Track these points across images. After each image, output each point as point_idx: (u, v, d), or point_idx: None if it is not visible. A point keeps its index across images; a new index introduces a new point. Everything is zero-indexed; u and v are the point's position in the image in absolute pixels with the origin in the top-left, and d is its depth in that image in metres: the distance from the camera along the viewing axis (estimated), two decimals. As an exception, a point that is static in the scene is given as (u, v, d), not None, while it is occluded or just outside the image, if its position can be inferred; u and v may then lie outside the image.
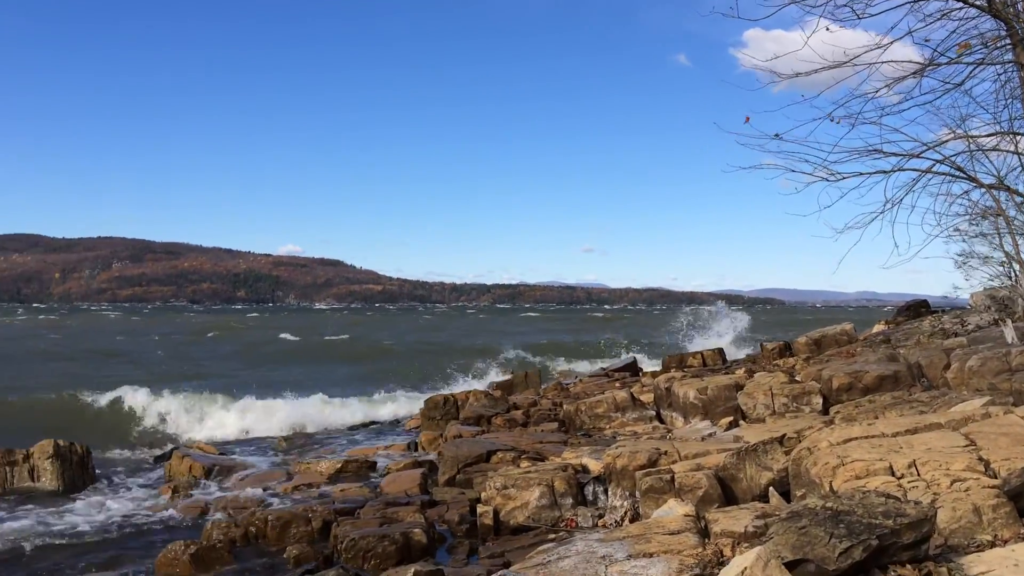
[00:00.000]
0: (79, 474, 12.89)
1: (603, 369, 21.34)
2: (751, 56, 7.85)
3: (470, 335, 56.78)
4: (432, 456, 13.78)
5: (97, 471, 13.40)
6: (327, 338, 40.33)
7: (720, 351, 18.49)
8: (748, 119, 7.80)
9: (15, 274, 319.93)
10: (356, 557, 7.90)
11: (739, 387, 11.87)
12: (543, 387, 19.27)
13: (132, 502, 11.50)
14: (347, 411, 20.22)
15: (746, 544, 5.86)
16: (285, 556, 8.39)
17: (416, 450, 14.34)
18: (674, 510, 6.78)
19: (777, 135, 8.09)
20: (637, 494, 7.86)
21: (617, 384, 16.97)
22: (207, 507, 10.92)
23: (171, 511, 10.89)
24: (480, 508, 8.83)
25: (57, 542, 9.52)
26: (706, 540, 6.02)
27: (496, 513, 8.66)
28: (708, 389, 11.96)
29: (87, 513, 10.86)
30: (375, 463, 13.09)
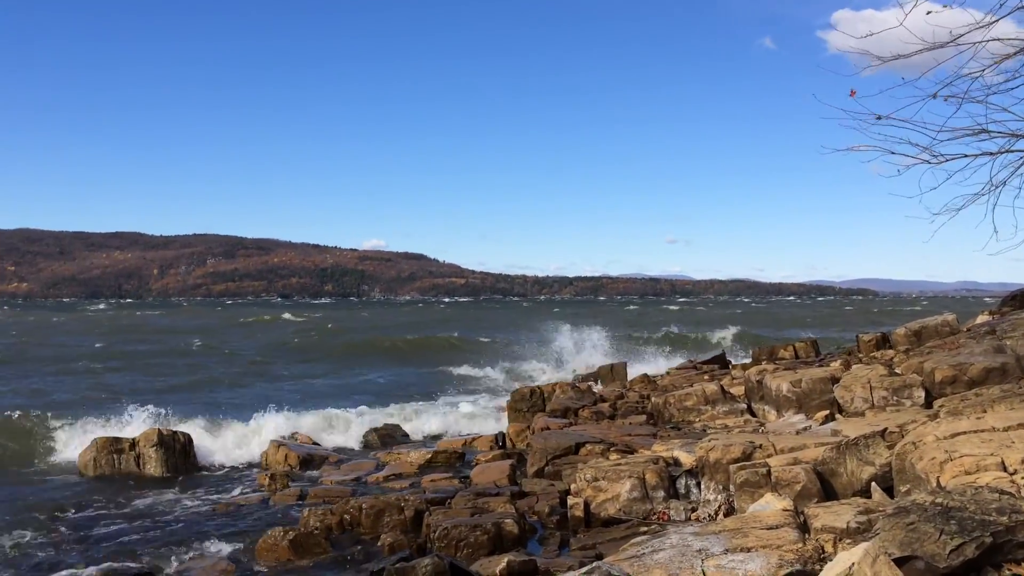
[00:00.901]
0: (182, 462, 13.42)
1: (691, 361, 21.05)
2: (846, 35, 7.55)
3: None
4: (517, 446, 13.85)
5: (199, 459, 13.90)
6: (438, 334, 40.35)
7: (813, 342, 17.99)
8: (854, 93, 7.48)
9: (117, 270, 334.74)
10: (449, 546, 7.98)
11: (835, 380, 11.51)
12: (629, 379, 19.11)
13: (231, 489, 11.91)
14: (435, 403, 20.50)
15: (848, 540, 5.70)
16: (379, 544, 8.55)
17: (503, 442, 14.41)
18: (771, 504, 6.63)
19: (879, 116, 7.77)
20: (731, 488, 7.71)
21: (706, 377, 16.69)
22: (302, 494, 11.23)
23: (268, 498, 11.23)
24: (571, 500, 8.82)
25: (160, 526, 9.93)
26: (806, 535, 5.87)
27: (587, 505, 8.63)
28: (802, 382, 11.65)
29: (189, 498, 11.30)
30: (463, 454, 13.23)
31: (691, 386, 14.33)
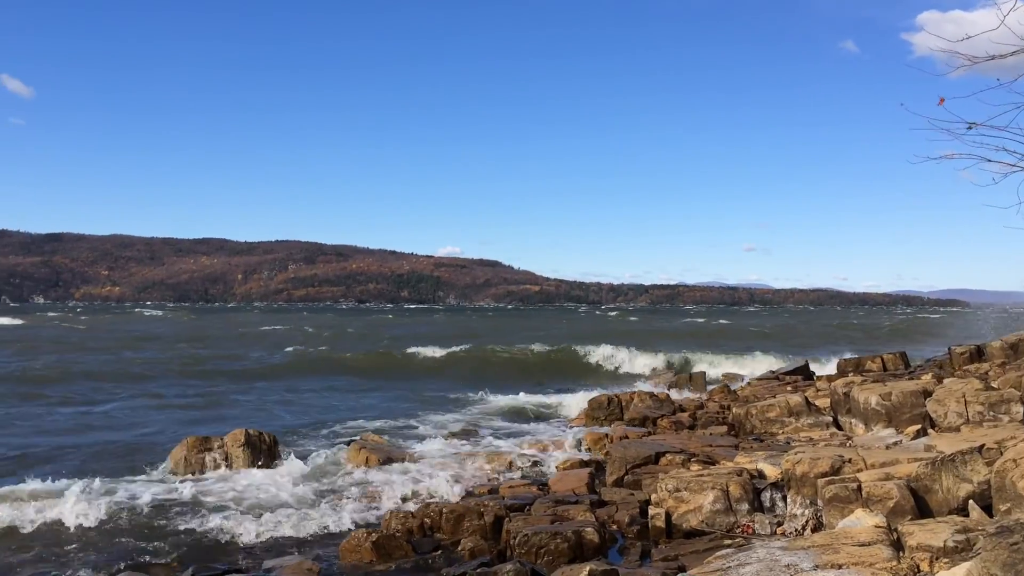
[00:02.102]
0: (268, 461, 13.75)
1: (772, 372, 20.62)
2: (939, 37, 7.30)
3: (625, 336, 56.25)
4: (595, 454, 13.78)
5: (283, 459, 14.21)
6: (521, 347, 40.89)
7: (902, 355, 17.42)
8: (943, 101, 7.24)
9: (203, 275, 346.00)
10: (529, 553, 7.99)
11: (927, 393, 11.13)
12: (708, 389, 18.83)
13: (314, 489, 12.13)
14: (512, 406, 20.59)
15: (946, 560, 5.50)
16: (460, 548, 8.62)
17: (581, 449, 14.36)
18: (863, 520, 6.45)
19: (971, 125, 7.49)
20: (819, 502, 7.53)
21: (789, 388, 16.33)
22: (383, 497, 11.39)
23: (349, 499, 11.42)
24: (651, 510, 8.74)
25: (243, 524, 10.19)
26: (900, 553, 5.69)
27: (668, 516, 8.54)
28: (892, 395, 11.29)
29: (273, 497, 11.56)
30: (541, 461, 13.22)
31: (773, 397, 14.05)
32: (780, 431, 12.60)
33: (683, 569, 7.20)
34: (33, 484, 11.72)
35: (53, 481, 11.88)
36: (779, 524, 8.13)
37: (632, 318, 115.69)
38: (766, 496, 8.59)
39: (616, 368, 34.39)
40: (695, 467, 10.21)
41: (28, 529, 9.84)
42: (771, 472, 9.02)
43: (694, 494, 8.58)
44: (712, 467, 9.93)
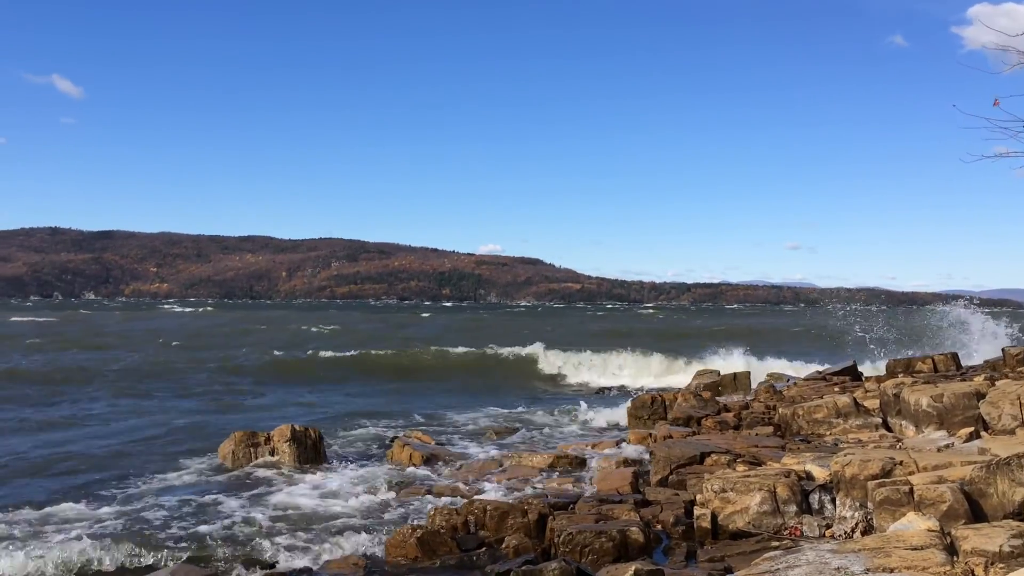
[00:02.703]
0: (313, 456, 13.95)
1: (819, 372, 20.31)
2: (991, 29, 7.15)
3: (664, 336, 55.91)
4: (637, 453, 13.72)
5: (328, 454, 14.41)
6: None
7: (954, 355, 17.05)
8: (997, 102, 7.12)
9: (248, 272, 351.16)
10: (573, 551, 7.99)
11: (980, 395, 10.88)
12: (753, 389, 18.63)
13: (359, 485, 12.27)
14: (552, 406, 20.60)
15: (1002, 565, 5.39)
16: (504, 546, 8.64)
17: (623, 449, 14.30)
18: (915, 524, 6.34)
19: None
20: (870, 505, 7.41)
21: (836, 388, 16.08)
22: (427, 493, 11.48)
23: (393, 496, 11.53)
24: (697, 511, 8.67)
25: (292, 519, 10.35)
26: (953, 558, 5.58)
27: (714, 516, 8.47)
28: (944, 396, 11.05)
29: (318, 493, 11.71)
30: (585, 459, 13.21)
31: (820, 398, 13.84)
32: (827, 432, 12.42)
33: (729, 570, 7.14)
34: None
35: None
36: (828, 527, 8.02)
37: (659, 316, 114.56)
38: (814, 498, 8.48)
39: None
40: (741, 468, 10.11)
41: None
42: (819, 474, 8.89)
43: (740, 495, 8.50)
44: (758, 468, 9.82)
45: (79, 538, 9.20)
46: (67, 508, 10.63)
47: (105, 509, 10.72)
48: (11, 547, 8.85)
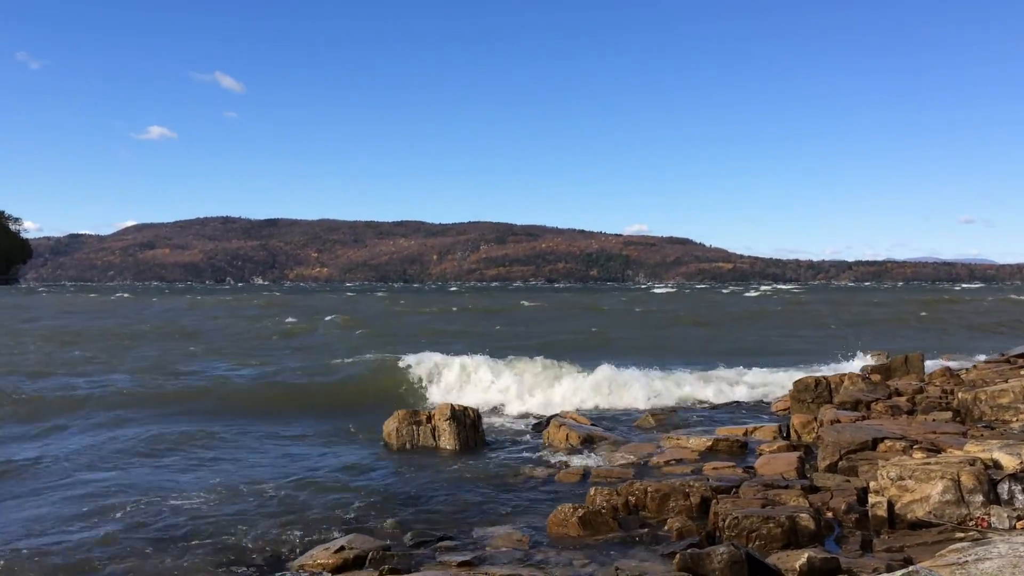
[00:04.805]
0: (472, 435, 14.29)
1: (1002, 354, 18.90)
2: None
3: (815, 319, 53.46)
4: (803, 438, 13.24)
5: (484, 434, 14.73)
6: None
7: None
8: None
9: (401, 256, 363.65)
10: (739, 536, 7.80)
11: None
12: (927, 372, 17.55)
13: (519, 464, 12.48)
14: (705, 387, 20.18)
15: None
16: (667, 528, 8.56)
17: (787, 433, 13.83)
18: None
19: None
20: (1071, 498, 6.84)
21: (1022, 371, 14.91)
22: (585, 474, 11.52)
23: (553, 475, 11.64)
24: (872, 498, 8.27)
25: (455, 495, 10.64)
26: None
27: (890, 505, 8.06)
28: None
29: (479, 471, 12.00)
30: (745, 443, 12.87)
31: (1005, 382, 12.88)
32: (1015, 418, 11.55)
33: (910, 561, 6.77)
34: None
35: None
36: (1020, 519, 7.47)
37: (784, 297, 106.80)
38: (1003, 488, 7.91)
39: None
40: (918, 455, 9.56)
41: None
42: (1008, 462, 8.29)
43: (920, 483, 8.04)
44: (938, 455, 9.26)
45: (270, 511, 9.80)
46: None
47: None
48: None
